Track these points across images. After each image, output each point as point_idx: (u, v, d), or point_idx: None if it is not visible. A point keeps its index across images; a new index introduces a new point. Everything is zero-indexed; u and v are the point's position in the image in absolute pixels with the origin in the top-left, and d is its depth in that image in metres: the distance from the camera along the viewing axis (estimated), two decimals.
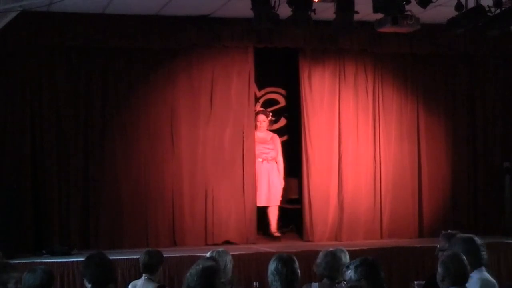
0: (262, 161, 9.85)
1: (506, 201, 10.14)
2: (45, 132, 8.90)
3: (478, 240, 5.06)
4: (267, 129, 10.07)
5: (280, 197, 9.98)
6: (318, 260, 5.20)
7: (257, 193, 9.74)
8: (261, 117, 9.99)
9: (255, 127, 9.86)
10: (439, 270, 4.52)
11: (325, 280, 5.07)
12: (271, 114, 10.18)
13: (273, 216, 9.89)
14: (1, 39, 8.53)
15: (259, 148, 9.83)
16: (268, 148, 9.95)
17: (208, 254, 5.60)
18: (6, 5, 7.90)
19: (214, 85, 9.58)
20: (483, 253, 4.97)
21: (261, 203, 9.78)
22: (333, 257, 5.10)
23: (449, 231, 5.53)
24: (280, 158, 10.04)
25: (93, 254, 4.79)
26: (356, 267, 4.29)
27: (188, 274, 4.05)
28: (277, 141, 10.11)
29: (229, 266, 5.56)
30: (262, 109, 10.16)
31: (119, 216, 9.09)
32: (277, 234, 9.79)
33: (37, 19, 8.65)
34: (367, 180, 9.82)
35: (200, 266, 4.06)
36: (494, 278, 4.92)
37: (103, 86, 9.16)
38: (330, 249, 5.33)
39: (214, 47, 9.46)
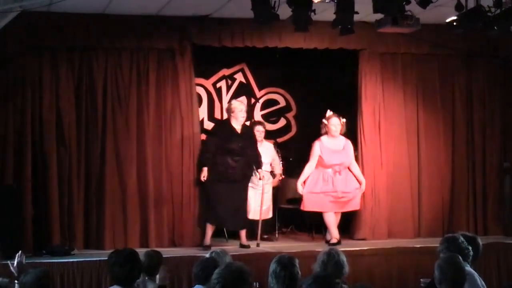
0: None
1: (506, 201, 10.14)
2: (45, 132, 8.89)
3: (461, 238, 5.16)
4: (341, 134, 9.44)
5: (349, 203, 9.40)
6: (316, 262, 5.19)
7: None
8: (335, 120, 9.36)
9: (329, 131, 9.33)
10: (436, 273, 4.52)
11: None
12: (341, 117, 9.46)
13: (330, 222, 9.28)
14: (1, 39, 8.54)
15: None
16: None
17: (207, 255, 5.61)
18: (6, 5, 7.90)
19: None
20: (467, 250, 5.14)
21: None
22: (328, 257, 5.08)
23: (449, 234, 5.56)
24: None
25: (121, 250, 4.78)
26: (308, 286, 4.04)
27: (217, 274, 4.01)
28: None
29: None
30: (332, 113, 9.44)
31: (120, 216, 9.08)
32: (334, 241, 9.09)
33: (37, 19, 8.65)
34: (367, 180, 9.80)
35: (233, 266, 4.05)
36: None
37: (103, 86, 9.14)
38: (326, 249, 5.32)
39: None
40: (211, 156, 8.94)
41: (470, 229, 10.01)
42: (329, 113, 9.44)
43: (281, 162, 10.15)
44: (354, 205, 9.48)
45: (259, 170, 9.12)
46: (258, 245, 8.98)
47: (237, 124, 9.04)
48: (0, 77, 8.75)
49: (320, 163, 9.34)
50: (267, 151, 9.84)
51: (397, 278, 8.68)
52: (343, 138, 9.46)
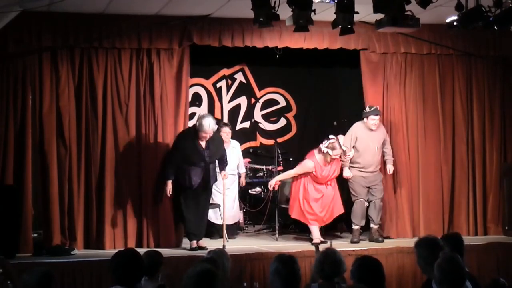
0: None
1: (506, 201, 10.13)
2: (45, 132, 8.89)
3: (440, 241, 5.09)
4: None
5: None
6: (315, 262, 5.18)
7: None
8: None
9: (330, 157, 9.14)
10: (436, 273, 4.49)
11: (322, 280, 5.05)
12: None
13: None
14: (1, 39, 8.55)
15: None
16: None
17: (206, 254, 5.61)
18: (6, 5, 7.90)
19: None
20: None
21: None
22: (325, 257, 5.06)
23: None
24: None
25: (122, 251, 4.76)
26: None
27: (185, 276, 4.01)
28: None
29: (228, 265, 5.57)
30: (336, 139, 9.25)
31: (120, 216, 9.08)
32: (317, 241, 9.12)
33: (38, 19, 8.66)
34: (388, 179, 9.79)
35: (198, 269, 4.03)
36: None
37: (103, 86, 9.14)
38: (323, 249, 5.31)
39: None
40: (174, 171, 8.79)
41: (470, 229, 10.03)
42: (333, 138, 9.15)
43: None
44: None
45: (222, 171, 9.07)
46: (224, 247, 8.48)
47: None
48: (0, 77, 8.76)
49: (315, 180, 9.24)
50: (234, 152, 9.90)
51: (397, 278, 8.67)
52: None
